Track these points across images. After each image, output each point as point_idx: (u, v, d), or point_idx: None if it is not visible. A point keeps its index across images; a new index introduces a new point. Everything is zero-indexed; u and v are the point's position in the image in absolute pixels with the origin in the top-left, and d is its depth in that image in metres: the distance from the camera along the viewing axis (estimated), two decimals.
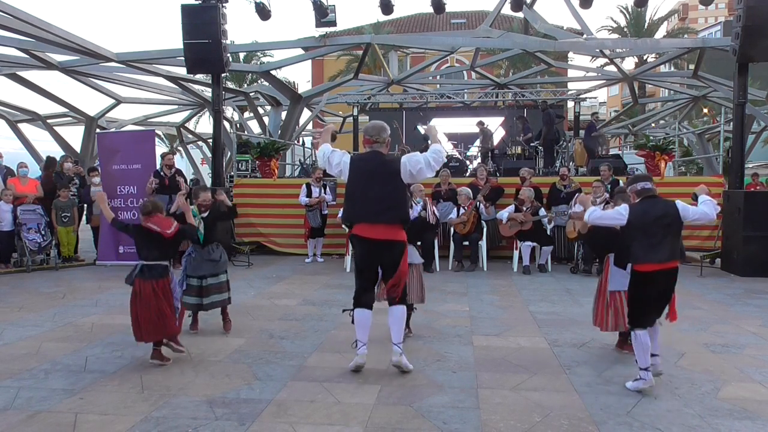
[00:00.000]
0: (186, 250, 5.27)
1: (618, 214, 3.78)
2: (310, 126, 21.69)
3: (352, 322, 4.14)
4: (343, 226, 4.50)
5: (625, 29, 29.85)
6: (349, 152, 4.65)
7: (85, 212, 9.98)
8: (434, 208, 7.50)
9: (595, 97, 48.50)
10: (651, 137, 11.79)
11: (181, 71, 12.93)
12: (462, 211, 8.92)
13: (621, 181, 9.08)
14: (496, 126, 16.48)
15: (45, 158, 11.08)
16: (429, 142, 4.34)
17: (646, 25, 29.78)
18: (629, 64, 22.62)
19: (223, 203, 5.33)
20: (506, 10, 14.48)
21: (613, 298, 4.41)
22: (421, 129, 3.83)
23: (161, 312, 4.16)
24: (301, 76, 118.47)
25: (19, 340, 4.93)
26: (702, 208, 3.75)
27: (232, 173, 11.96)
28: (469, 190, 9.11)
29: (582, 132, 15.33)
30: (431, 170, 4.04)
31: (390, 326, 4.11)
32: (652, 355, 3.89)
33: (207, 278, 5.03)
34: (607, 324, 4.46)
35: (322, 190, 9.78)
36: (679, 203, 3.76)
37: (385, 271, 4.13)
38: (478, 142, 15.27)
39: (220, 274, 5.13)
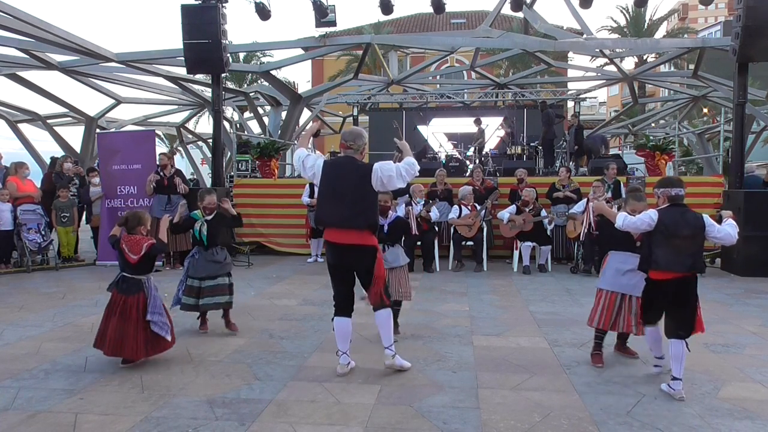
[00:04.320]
0: (190, 251, 5.26)
1: (649, 219, 3.71)
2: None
3: (333, 329, 4.12)
4: (316, 226, 4.49)
5: (625, 29, 29.84)
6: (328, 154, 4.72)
7: (85, 212, 9.98)
8: (414, 219, 7.53)
9: (595, 97, 48.52)
10: (651, 137, 11.78)
11: (181, 71, 12.92)
12: (465, 212, 8.91)
13: (621, 182, 9.09)
14: (495, 126, 16.46)
15: (49, 159, 11.13)
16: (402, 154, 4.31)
17: (646, 25, 29.77)
18: (629, 64, 22.64)
19: (227, 211, 5.28)
20: (506, 10, 14.49)
21: (599, 296, 4.36)
22: (397, 141, 3.88)
23: (124, 332, 4.09)
24: (301, 76, 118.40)
25: (19, 340, 4.93)
26: (727, 229, 3.75)
27: (232, 173, 11.96)
28: (470, 188, 9.11)
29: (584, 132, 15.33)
30: (402, 181, 4.00)
31: (379, 330, 4.10)
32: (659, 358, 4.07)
33: (205, 280, 5.03)
34: (592, 319, 4.45)
35: None
36: (707, 218, 3.74)
37: (359, 277, 4.09)
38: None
39: (218, 277, 5.08)
